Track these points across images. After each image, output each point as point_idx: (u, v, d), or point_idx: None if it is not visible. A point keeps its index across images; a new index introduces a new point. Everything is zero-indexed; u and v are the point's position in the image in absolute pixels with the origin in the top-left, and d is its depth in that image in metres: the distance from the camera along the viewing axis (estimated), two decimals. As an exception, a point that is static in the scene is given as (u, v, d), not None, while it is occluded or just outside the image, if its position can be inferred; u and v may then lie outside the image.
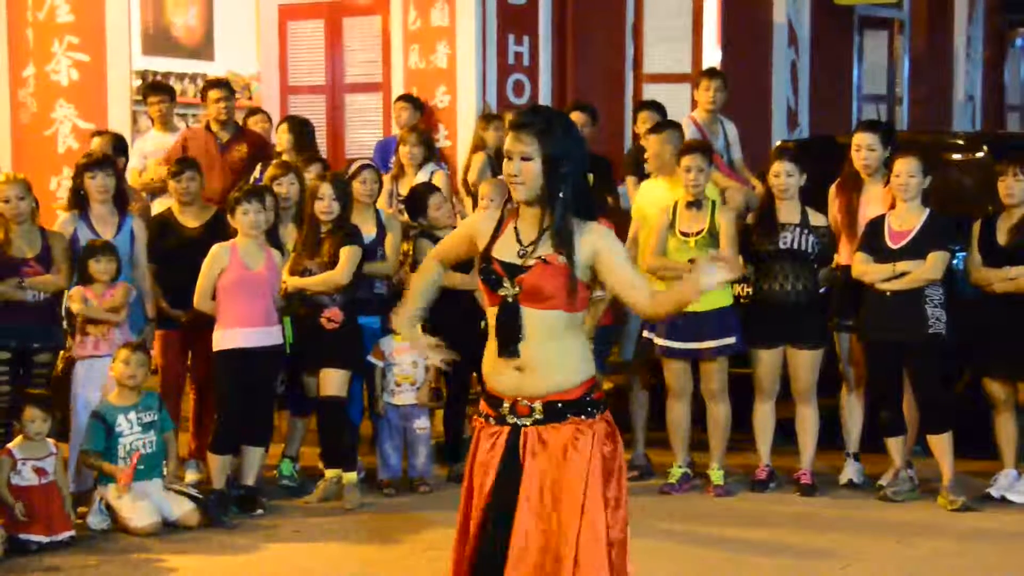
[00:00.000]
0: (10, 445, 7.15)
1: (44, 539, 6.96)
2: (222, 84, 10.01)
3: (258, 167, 9.11)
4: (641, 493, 8.08)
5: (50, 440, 7.22)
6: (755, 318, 8.05)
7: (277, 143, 9.60)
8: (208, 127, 9.78)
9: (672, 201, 8.08)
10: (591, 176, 4.95)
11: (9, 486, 7.00)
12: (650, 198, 8.37)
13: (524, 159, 4.13)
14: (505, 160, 4.20)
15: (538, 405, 4.17)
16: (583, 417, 4.17)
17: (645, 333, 8.09)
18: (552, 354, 4.16)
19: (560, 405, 4.17)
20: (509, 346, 4.16)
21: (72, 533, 7.09)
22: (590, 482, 4.14)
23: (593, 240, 4.18)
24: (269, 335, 7.69)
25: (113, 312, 7.71)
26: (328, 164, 9.55)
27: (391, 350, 8.11)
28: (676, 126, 8.72)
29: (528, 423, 4.19)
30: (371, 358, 8.11)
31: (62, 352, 7.97)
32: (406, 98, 10.65)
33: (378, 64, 11.91)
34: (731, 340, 7.90)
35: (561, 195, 4.12)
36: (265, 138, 10.00)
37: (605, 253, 4.19)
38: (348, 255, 7.78)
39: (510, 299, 4.17)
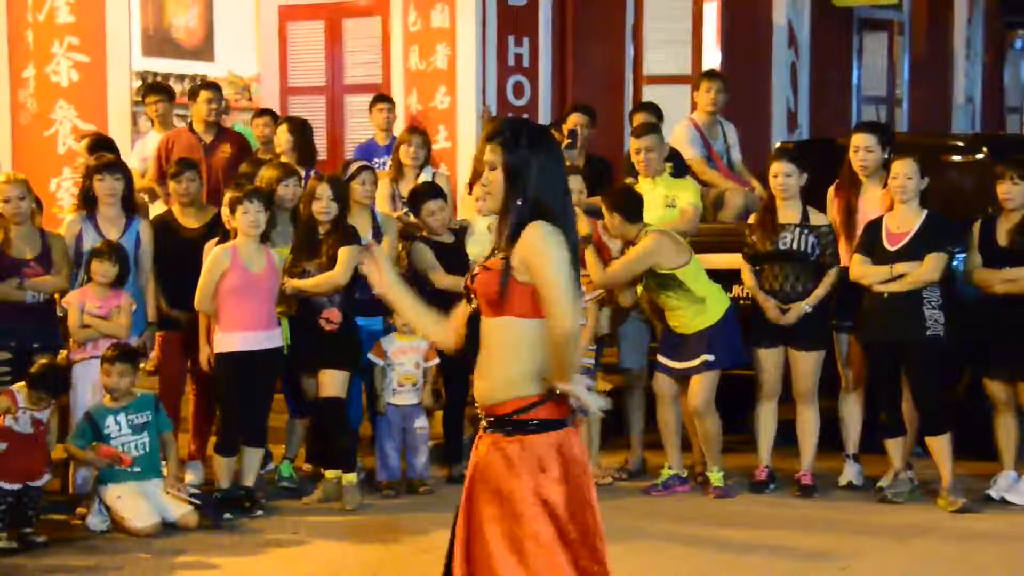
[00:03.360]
0: (13, 387, 7.16)
1: (15, 486, 7.00)
2: (213, 86, 10.05)
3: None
4: (640, 495, 8.09)
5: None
6: (756, 319, 8.05)
7: (276, 144, 9.60)
8: (191, 128, 9.78)
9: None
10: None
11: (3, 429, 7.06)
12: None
13: (491, 168, 4.16)
14: None
15: (484, 415, 4.19)
16: (501, 435, 4.11)
17: (658, 355, 8.14)
18: (497, 366, 4.12)
19: (492, 419, 4.15)
20: (473, 355, 4.18)
21: (47, 476, 7.19)
22: (480, 506, 4.09)
23: (522, 244, 4.06)
24: (270, 338, 7.70)
25: (117, 328, 7.74)
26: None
27: (392, 350, 8.11)
28: (658, 130, 8.80)
29: (484, 432, 4.20)
30: (371, 356, 8.12)
31: (62, 352, 7.96)
32: (383, 99, 10.64)
33: (378, 65, 11.91)
34: (708, 357, 7.88)
35: (519, 203, 4.08)
36: (246, 138, 10.02)
37: (531, 265, 4.04)
38: (346, 255, 7.79)
39: (475, 308, 4.20)
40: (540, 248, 4.01)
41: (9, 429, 7.07)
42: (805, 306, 7.89)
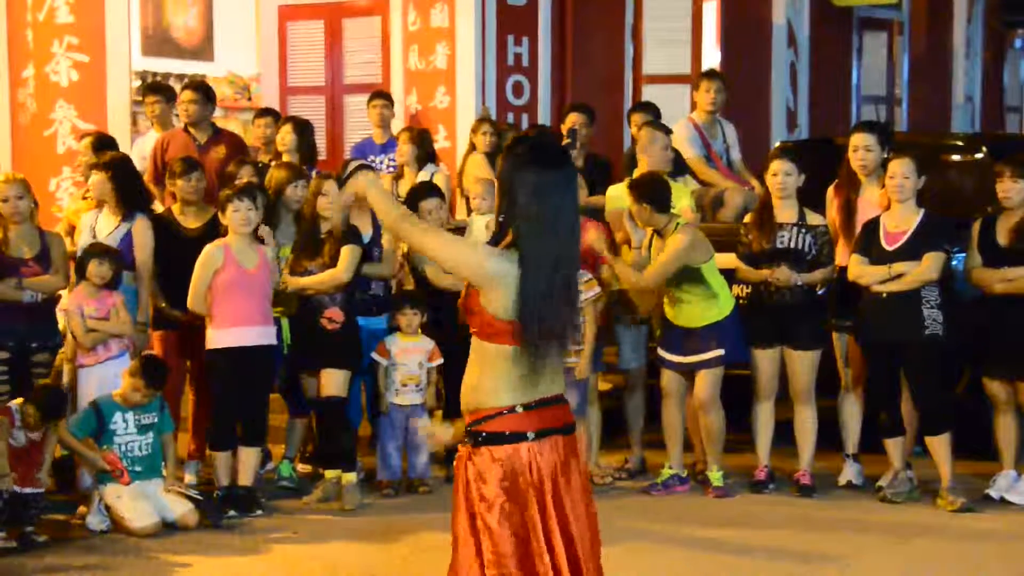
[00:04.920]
0: (11, 404, 7.15)
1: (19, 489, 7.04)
2: (198, 88, 9.93)
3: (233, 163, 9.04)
4: (640, 495, 8.09)
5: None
6: (752, 318, 8.05)
7: (280, 143, 9.59)
8: (186, 129, 9.77)
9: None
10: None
11: None
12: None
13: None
14: None
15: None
16: (463, 443, 4.19)
17: (659, 351, 8.14)
18: (468, 377, 4.19)
19: (465, 428, 4.23)
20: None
21: (41, 490, 7.16)
22: (455, 510, 4.18)
23: None
24: (264, 334, 7.70)
25: (122, 326, 7.75)
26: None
27: (396, 350, 8.11)
28: (665, 128, 8.80)
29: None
30: (375, 355, 8.12)
31: (61, 352, 7.94)
32: (380, 95, 10.65)
33: (377, 65, 11.93)
34: (719, 352, 7.89)
35: (503, 217, 4.10)
36: (242, 139, 10.00)
37: None
38: (348, 253, 7.80)
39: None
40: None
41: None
42: (797, 279, 7.87)
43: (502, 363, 4.09)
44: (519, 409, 4.10)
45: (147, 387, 7.41)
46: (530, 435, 4.10)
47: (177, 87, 12.36)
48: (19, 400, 7.17)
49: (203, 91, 9.82)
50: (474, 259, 4.06)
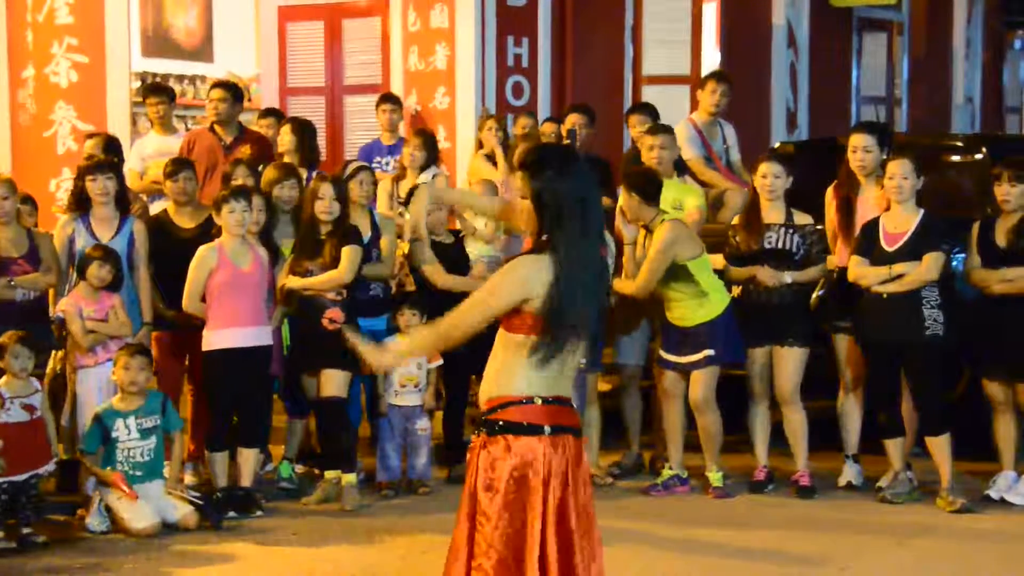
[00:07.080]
0: None
1: (21, 477, 7.05)
2: (228, 87, 9.95)
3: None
4: (640, 495, 8.09)
5: (33, 378, 7.29)
6: (744, 319, 8.05)
7: (279, 145, 9.59)
8: (212, 128, 9.77)
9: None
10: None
11: None
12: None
13: (523, 197, 4.25)
14: None
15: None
16: (476, 434, 4.24)
17: (659, 351, 8.15)
18: (491, 368, 4.26)
19: (481, 416, 4.28)
20: (471, 355, 4.31)
21: (53, 464, 7.25)
22: (463, 495, 4.23)
23: None
24: (260, 334, 7.70)
25: (120, 327, 7.75)
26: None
27: (395, 351, 8.10)
28: (669, 130, 8.80)
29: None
30: (374, 357, 8.10)
31: (56, 352, 7.92)
32: (389, 98, 10.66)
33: (377, 66, 11.93)
34: (709, 352, 7.89)
35: (547, 228, 4.15)
36: (268, 140, 10.00)
37: None
38: (349, 254, 7.79)
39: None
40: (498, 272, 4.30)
41: (4, 424, 7.08)
42: (787, 276, 7.89)
43: (525, 353, 4.14)
44: (538, 401, 4.16)
45: (129, 354, 7.37)
46: (547, 429, 4.16)
47: (177, 88, 12.38)
48: (4, 379, 7.17)
49: (232, 90, 9.85)
50: (518, 291, 4.13)
